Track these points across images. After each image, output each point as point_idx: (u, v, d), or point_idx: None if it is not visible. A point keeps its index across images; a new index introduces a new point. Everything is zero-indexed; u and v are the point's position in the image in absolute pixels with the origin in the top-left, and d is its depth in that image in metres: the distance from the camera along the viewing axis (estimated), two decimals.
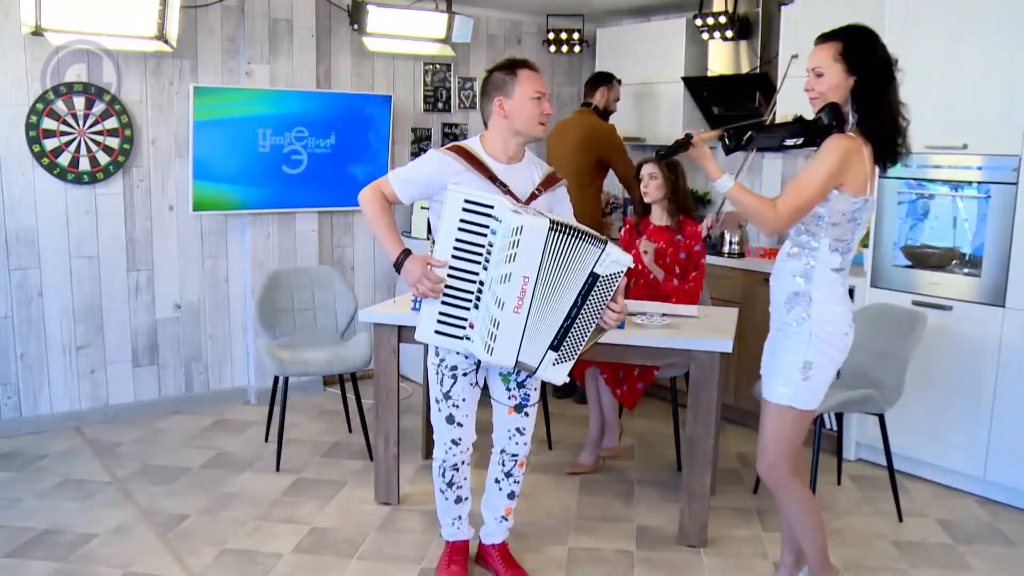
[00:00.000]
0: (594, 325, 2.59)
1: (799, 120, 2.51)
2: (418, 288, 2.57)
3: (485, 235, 2.53)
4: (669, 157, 2.49)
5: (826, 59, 2.44)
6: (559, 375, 2.62)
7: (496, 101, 2.67)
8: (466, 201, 2.52)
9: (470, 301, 2.57)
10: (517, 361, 2.57)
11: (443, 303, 2.59)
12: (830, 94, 2.45)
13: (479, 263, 2.55)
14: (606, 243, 2.52)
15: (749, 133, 2.45)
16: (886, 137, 2.45)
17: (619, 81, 5.03)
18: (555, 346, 2.57)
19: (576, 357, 2.61)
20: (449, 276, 2.57)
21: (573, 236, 2.50)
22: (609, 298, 2.56)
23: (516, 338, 2.54)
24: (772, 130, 2.53)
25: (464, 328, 2.58)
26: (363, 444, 4.18)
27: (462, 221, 2.53)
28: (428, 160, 2.72)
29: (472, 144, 2.73)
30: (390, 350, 3.45)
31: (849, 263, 2.57)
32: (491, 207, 2.51)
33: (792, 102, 4.45)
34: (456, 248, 2.55)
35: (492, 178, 2.66)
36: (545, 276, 2.51)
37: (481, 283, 2.55)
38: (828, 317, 2.52)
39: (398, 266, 2.62)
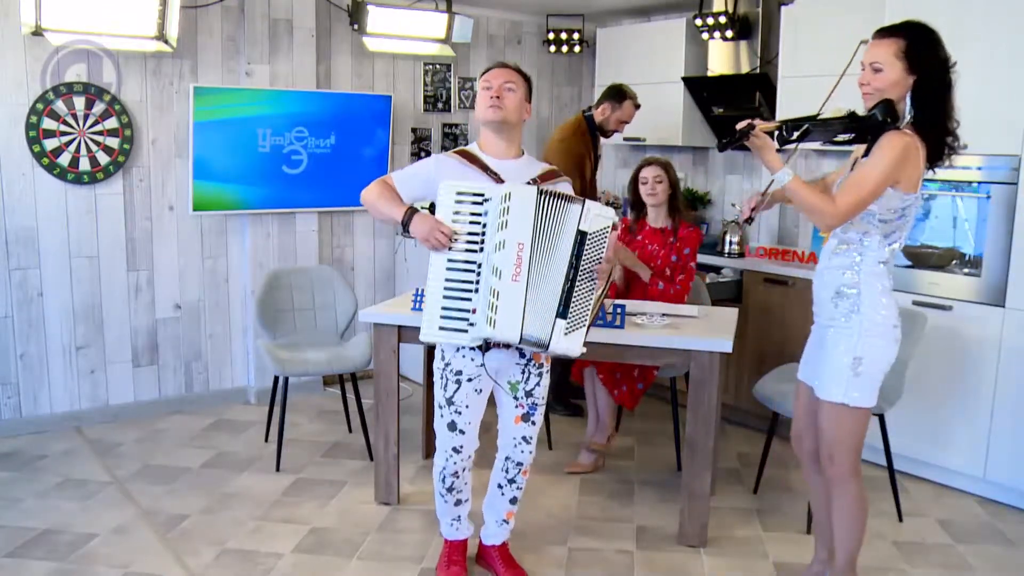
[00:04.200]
0: (594, 288, 2.59)
1: (852, 116, 2.47)
2: (430, 240, 2.55)
3: (479, 222, 2.55)
4: (732, 146, 2.45)
5: (887, 55, 2.42)
6: (573, 345, 2.58)
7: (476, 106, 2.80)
8: (458, 193, 2.56)
9: (471, 290, 2.56)
10: (522, 336, 2.51)
11: (445, 297, 2.58)
12: (888, 91, 2.43)
13: (476, 250, 2.56)
14: (584, 201, 2.54)
15: (806, 126, 2.41)
16: (940, 137, 2.45)
17: (636, 104, 4.62)
18: (562, 313, 2.54)
19: (586, 324, 2.59)
20: (448, 269, 2.57)
21: (558, 199, 2.53)
22: (602, 254, 2.58)
23: (519, 308, 2.49)
24: (827, 124, 2.47)
25: (468, 317, 2.56)
26: (363, 444, 4.18)
27: (455, 213, 2.56)
28: (427, 160, 2.81)
29: (471, 147, 2.80)
30: (390, 350, 3.44)
31: (894, 256, 2.57)
32: (482, 193, 2.55)
33: (791, 102, 4.48)
34: (453, 241, 2.57)
35: (485, 168, 2.69)
36: (539, 242, 2.51)
37: (479, 266, 2.55)
38: (877, 309, 2.52)
39: (406, 224, 2.62)
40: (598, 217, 2.54)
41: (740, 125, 2.43)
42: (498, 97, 2.68)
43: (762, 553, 3.26)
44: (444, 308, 2.58)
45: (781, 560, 3.19)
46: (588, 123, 4.63)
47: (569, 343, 2.56)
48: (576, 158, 4.53)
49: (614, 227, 2.61)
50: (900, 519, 3.55)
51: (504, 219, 2.49)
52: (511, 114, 2.70)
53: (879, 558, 3.23)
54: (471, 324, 2.55)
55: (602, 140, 4.77)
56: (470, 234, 2.56)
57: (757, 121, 2.45)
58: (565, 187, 2.82)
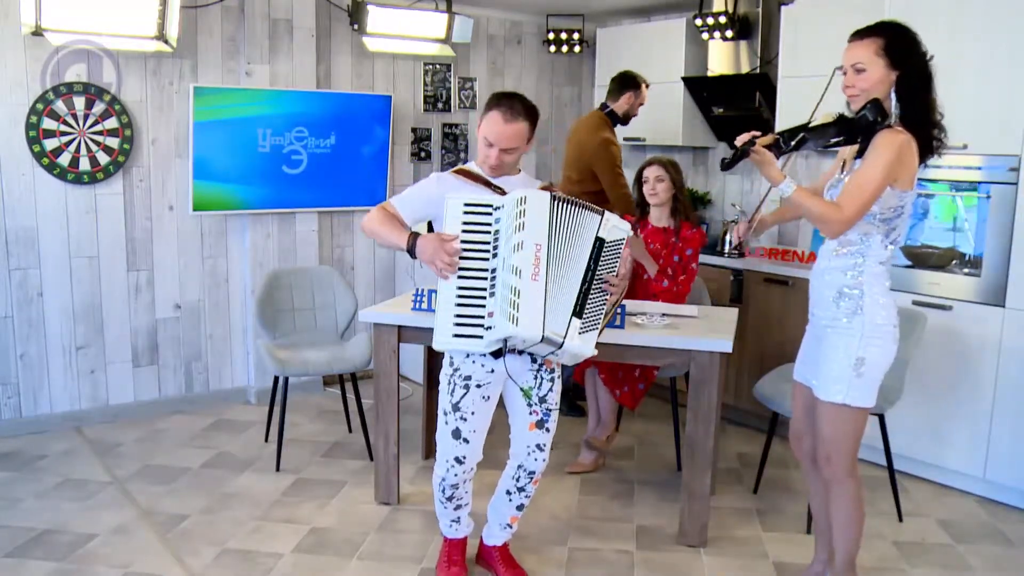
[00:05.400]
0: (606, 296, 2.63)
1: (842, 119, 2.48)
2: (436, 264, 2.53)
3: (489, 231, 2.54)
4: (735, 165, 2.45)
5: (868, 54, 2.44)
6: (587, 346, 2.58)
7: (478, 123, 2.75)
8: (466, 204, 2.56)
9: (484, 296, 2.54)
10: (544, 335, 2.48)
11: (458, 304, 2.55)
12: (873, 90, 2.44)
13: (487, 258, 2.54)
14: (603, 212, 2.60)
15: (802, 135, 2.44)
16: (928, 132, 2.47)
17: (647, 84, 4.66)
18: (578, 312, 2.55)
19: (600, 327, 2.62)
20: (460, 277, 2.55)
21: (574, 205, 2.56)
22: (617, 262, 2.63)
23: (539, 305, 2.47)
24: (821, 131, 2.48)
25: (482, 323, 2.53)
26: (363, 444, 4.18)
27: (465, 224, 2.55)
28: (427, 181, 2.77)
29: (469, 166, 2.78)
30: (390, 350, 3.44)
31: (893, 256, 2.58)
32: (490, 203, 2.56)
33: (790, 102, 4.48)
34: (463, 251, 2.55)
35: (488, 184, 2.70)
36: (555, 244, 2.52)
37: (493, 271, 2.53)
38: (879, 310, 2.53)
39: (411, 250, 2.59)
40: (615, 228, 2.60)
41: (740, 141, 2.43)
42: (495, 165, 2.68)
43: (762, 553, 3.26)
44: (458, 316, 2.54)
45: (781, 560, 3.19)
46: (611, 119, 4.63)
47: (583, 343, 2.56)
48: (618, 158, 4.54)
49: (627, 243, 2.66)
50: (900, 519, 3.55)
51: (521, 221, 2.49)
52: (508, 170, 2.73)
53: (879, 558, 3.23)
54: (487, 328, 2.52)
55: None
56: (481, 243, 2.55)
57: (756, 134, 2.45)
58: None
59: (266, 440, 4.31)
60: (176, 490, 3.71)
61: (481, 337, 2.54)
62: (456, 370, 2.71)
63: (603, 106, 4.66)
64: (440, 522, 3.01)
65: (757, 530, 3.45)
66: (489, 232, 2.55)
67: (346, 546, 3.23)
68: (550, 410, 2.80)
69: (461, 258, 2.54)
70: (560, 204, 2.53)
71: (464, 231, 2.54)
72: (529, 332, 2.46)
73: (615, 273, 2.64)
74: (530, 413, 2.78)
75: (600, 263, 2.58)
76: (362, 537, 3.31)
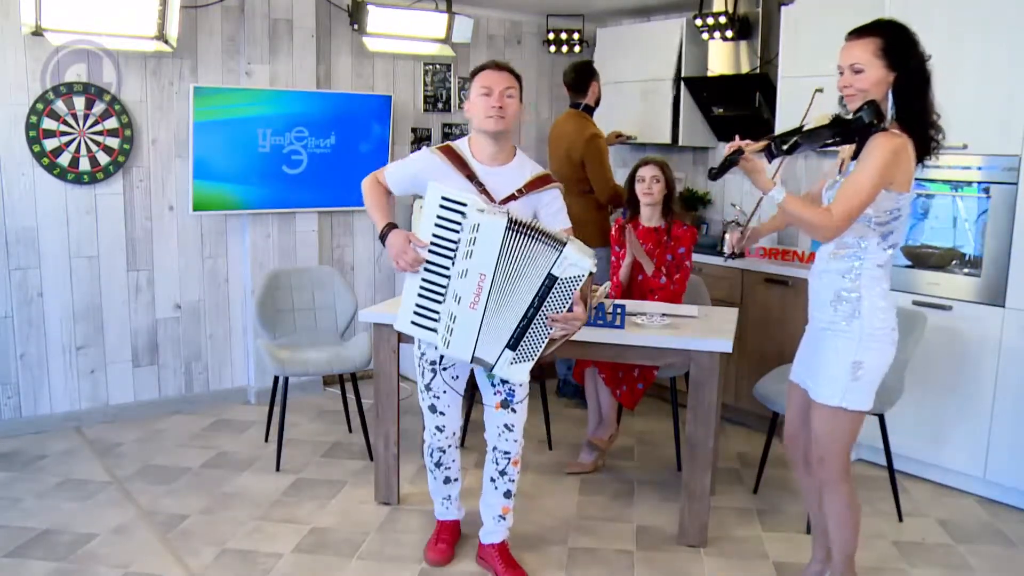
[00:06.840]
0: (551, 330, 2.61)
1: (838, 120, 2.45)
2: (398, 262, 2.64)
3: (457, 231, 2.58)
4: (723, 174, 2.43)
5: (865, 55, 2.41)
6: (518, 374, 2.66)
7: (464, 106, 2.81)
8: (442, 198, 2.59)
9: (442, 295, 2.63)
10: (474, 357, 2.63)
11: (419, 295, 2.66)
12: (871, 91, 2.42)
13: (450, 258, 2.60)
14: (564, 245, 2.52)
15: (795, 139, 2.41)
16: (925, 133, 2.45)
17: None
18: (512, 345, 2.61)
19: (536, 358, 2.64)
20: (426, 269, 2.63)
21: (531, 236, 2.54)
22: (569, 301, 2.56)
23: (472, 334, 2.60)
24: (816, 134, 2.46)
25: (436, 320, 2.65)
26: (363, 444, 4.18)
27: (438, 217, 2.59)
28: (416, 157, 2.85)
29: (460, 144, 2.79)
30: (390, 350, 3.45)
31: (892, 258, 2.57)
32: (464, 204, 2.57)
33: (790, 102, 4.48)
34: (432, 243, 2.61)
35: (471, 177, 2.70)
36: (503, 274, 2.55)
37: (449, 277, 2.62)
38: (877, 314, 2.52)
39: (383, 238, 2.71)
40: (573, 266, 2.53)
41: (728, 150, 2.42)
42: (500, 107, 2.66)
43: (762, 553, 3.26)
44: (418, 304, 2.67)
45: (781, 560, 3.19)
46: (589, 114, 4.74)
47: (513, 372, 2.65)
48: (606, 151, 4.65)
49: (591, 275, 2.59)
50: (900, 519, 3.55)
51: (470, 249, 2.56)
52: (511, 122, 2.70)
53: (879, 558, 3.23)
54: (435, 330, 2.66)
55: None
56: (449, 240, 2.59)
57: (746, 143, 2.43)
58: (555, 195, 2.79)
59: (266, 440, 4.31)
60: (176, 490, 3.71)
61: (435, 331, 2.66)
62: (423, 355, 2.85)
63: (575, 105, 4.77)
64: (435, 503, 3.12)
65: (757, 530, 3.45)
66: (457, 232, 2.58)
67: (346, 546, 3.23)
68: (513, 391, 2.85)
69: (430, 251, 2.61)
70: (515, 234, 2.52)
71: (436, 224, 2.60)
72: (458, 356, 2.66)
73: (565, 310, 2.58)
74: (495, 393, 2.87)
75: (549, 300, 2.56)
76: (362, 537, 3.31)
